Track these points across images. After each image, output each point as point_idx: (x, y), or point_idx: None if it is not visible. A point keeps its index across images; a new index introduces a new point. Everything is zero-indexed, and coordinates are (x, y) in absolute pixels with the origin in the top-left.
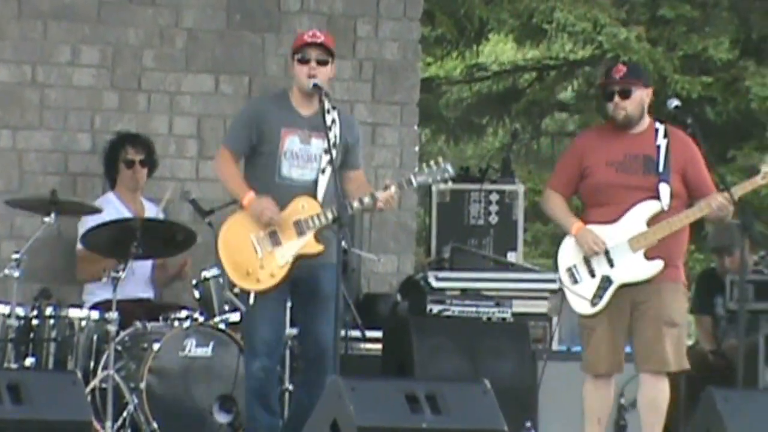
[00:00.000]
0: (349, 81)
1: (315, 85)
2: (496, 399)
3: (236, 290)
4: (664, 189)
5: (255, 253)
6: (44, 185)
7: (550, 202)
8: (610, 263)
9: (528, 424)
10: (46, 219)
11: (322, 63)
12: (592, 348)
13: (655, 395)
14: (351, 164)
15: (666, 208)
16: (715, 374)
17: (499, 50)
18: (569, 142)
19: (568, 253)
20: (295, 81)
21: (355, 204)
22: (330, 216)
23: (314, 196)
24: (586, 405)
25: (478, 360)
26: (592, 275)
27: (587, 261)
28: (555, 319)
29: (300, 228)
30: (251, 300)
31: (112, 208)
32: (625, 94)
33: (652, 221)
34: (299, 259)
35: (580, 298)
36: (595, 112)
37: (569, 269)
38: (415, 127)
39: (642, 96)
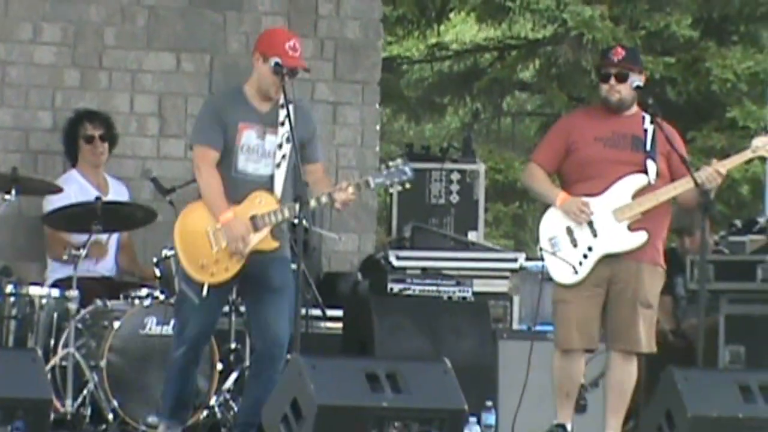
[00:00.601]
0: (311, 60)
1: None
2: (457, 378)
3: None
4: (651, 165)
5: (210, 247)
6: (5, 163)
7: (533, 175)
8: (594, 233)
9: (489, 403)
10: (7, 196)
11: (293, 76)
12: (565, 322)
13: (623, 378)
14: (307, 158)
15: (653, 182)
16: (676, 354)
17: (461, 30)
18: (530, 121)
19: (551, 224)
20: (258, 79)
21: (312, 203)
22: (287, 213)
23: (271, 192)
24: (555, 380)
25: (439, 339)
26: (575, 245)
27: (570, 231)
28: (516, 298)
29: (256, 224)
30: (205, 292)
31: (76, 185)
32: (622, 78)
33: (638, 195)
34: (253, 255)
35: (563, 265)
36: (557, 90)
37: (551, 239)
38: (377, 106)
39: (636, 82)
